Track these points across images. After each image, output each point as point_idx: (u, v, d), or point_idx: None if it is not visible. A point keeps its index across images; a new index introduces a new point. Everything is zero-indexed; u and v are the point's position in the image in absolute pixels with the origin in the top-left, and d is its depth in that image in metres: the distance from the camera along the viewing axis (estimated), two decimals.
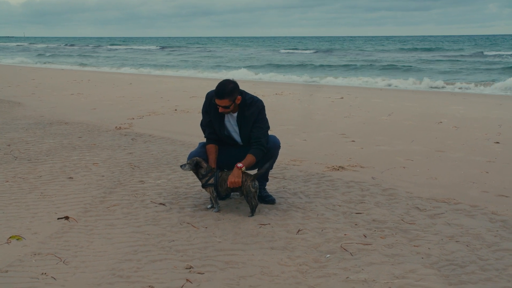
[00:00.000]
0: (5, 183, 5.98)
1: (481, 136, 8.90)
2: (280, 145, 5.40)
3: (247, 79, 23.19)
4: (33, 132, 9.17)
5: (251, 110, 5.08)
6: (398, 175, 6.48)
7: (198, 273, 3.77)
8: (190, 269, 3.80)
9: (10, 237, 4.36)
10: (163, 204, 5.28)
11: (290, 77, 24.61)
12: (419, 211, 5.16)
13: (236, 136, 5.26)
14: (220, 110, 4.98)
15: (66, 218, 4.85)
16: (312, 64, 33.79)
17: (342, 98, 14.78)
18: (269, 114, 10.93)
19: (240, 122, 5.15)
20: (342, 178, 6.31)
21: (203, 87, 17.77)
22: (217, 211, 5.11)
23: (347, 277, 3.72)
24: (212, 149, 5.24)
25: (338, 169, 6.74)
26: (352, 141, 8.64)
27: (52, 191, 5.72)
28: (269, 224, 4.77)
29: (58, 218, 4.85)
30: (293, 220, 4.90)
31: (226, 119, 5.19)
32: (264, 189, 5.49)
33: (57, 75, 24.69)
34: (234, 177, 4.93)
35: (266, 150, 5.15)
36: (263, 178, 5.42)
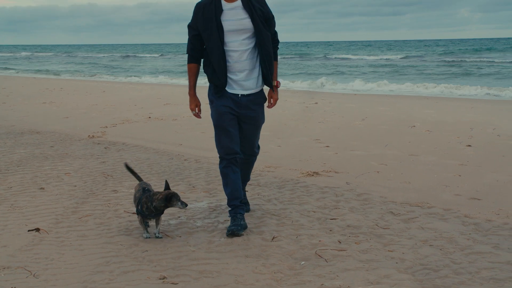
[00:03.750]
0: None
1: (453, 140, 8.99)
2: (259, 150, 5.28)
3: None
4: (3, 142, 9.02)
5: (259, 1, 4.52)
6: (372, 180, 6.50)
7: (172, 283, 3.72)
8: (163, 279, 3.76)
9: None
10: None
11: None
12: (393, 215, 5.18)
13: (241, 34, 4.49)
14: None
15: (37, 230, 4.76)
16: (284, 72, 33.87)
17: (316, 103, 14.83)
18: None
19: (250, 10, 4.44)
20: (316, 184, 6.31)
21: (177, 94, 17.69)
22: (148, 237, 4.59)
23: (322, 284, 3.71)
24: (193, 70, 4.69)
25: (313, 175, 6.75)
26: (327, 146, 8.66)
27: (23, 202, 5.62)
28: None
29: (28, 230, 4.76)
30: (268, 227, 4.87)
31: (222, 17, 4.43)
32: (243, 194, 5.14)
33: (29, 83, 24.37)
34: (276, 96, 4.82)
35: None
36: (243, 180, 5.17)
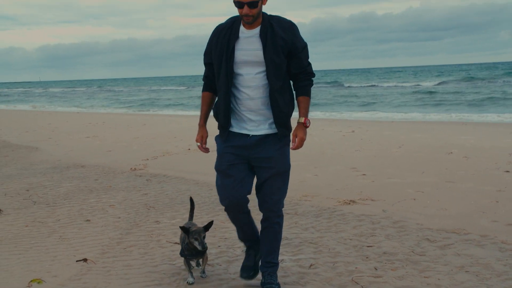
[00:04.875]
0: (25, 227, 6.16)
1: (491, 166, 8.98)
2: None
3: None
4: (51, 176, 9.40)
5: (282, 25, 3.85)
6: (408, 207, 6.57)
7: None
8: None
9: (31, 281, 4.51)
10: (179, 243, 5.40)
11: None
12: (429, 242, 5.24)
13: (255, 67, 3.86)
14: (246, 13, 3.70)
15: (85, 260, 5.00)
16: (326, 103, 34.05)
17: (353, 131, 14.92)
18: None
19: (265, 38, 3.80)
20: (353, 212, 6.42)
21: (214, 124, 17.99)
22: (192, 283, 4.38)
23: None
24: (205, 99, 4.18)
25: (349, 203, 6.86)
26: (363, 174, 8.76)
27: (71, 234, 5.89)
28: (282, 259, 4.87)
29: (76, 261, 5.00)
30: (305, 255, 5.01)
31: (237, 45, 3.85)
32: (271, 274, 4.25)
33: (72, 118, 25.12)
34: (302, 134, 3.93)
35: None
36: (268, 261, 4.28)
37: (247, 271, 4.29)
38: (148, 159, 11.07)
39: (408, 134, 13.99)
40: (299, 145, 3.95)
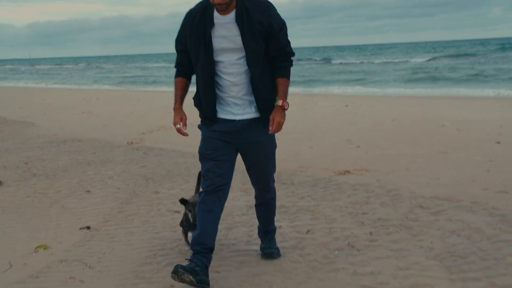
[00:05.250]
0: (27, 198, 6.29)
1: (483, 137, 9.14)
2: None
3: None
4: (48, 150, 9.49)
5: (257, 7, 3.64)
6: (402, 177, 6.73)
7: (215, 272, 4.02)
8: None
9: (38, 247, 4.65)
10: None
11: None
12: (422, 209, 5.40)
13: (234, 53, 3.70)
14: (218, 2, 3.49)
15: (88, 228, 5.14)
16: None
17: (346, 106, 15.05)
18: None
19: (242, 24, 3.61)
20: (348, 182, 6.57)
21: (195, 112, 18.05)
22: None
23: (355, 271, 3.97)
24: (179, 84, 3.95)
25: (344, 174, 7.00)
26: (357, 146, 8.90)
27: (72, 204, 6.01)
28: (279, 226, 5.02)
29: (80, 228, 5.14)
30: (302, 221, 5.16)
31: (213, 33, 3.65)
32: (270, 239, 4.38)
33: (66, 94, 25.12)
34: (282, 118, 3.75)
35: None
36: (266, 230, 4.39)
37: (178, 267, 3.52)
38: (144, 133, 11.17)
39: (401, 108, 14.14)
40: (277, 129, 3.76)
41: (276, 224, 5.03)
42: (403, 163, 7.52)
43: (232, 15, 3.60)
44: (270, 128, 3.75)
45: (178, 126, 3.86)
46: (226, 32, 3.63)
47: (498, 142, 8.64)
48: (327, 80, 30.62)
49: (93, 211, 5.71)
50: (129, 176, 7.29)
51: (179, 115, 3.87)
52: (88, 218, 5.48)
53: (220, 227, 4.99)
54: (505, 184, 6.20)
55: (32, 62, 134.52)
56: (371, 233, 4.76)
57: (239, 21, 3.58)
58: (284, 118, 3.76)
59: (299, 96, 20.14)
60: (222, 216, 5.28)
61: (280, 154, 8.27)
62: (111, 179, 7.13)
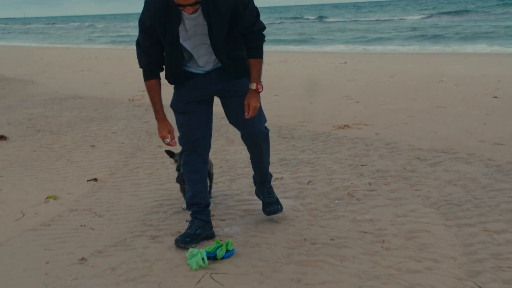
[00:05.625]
0: (33, 152, 6.43)
1: (480, 92, 9.25)
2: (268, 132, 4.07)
3: None
4: (51, 107, 9.60)
5: None
6: (400, 131, 6.86)
7: (220, 220, 4.19)
8: (212, 216, 4.22)
9: (48, 197, 4.81)
10: None
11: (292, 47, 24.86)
12: (420, 161, 5.55)
13: (204, 49, 3.56)
14: (189, 11, 3.25)
15: (95, 180, 5.28)
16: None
17: (345, 63, 15.09)
18: (275, 81, 11.30)
19: (208, 17, 3.37)
20: (347, 136, 6.70)
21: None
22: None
23: (354, 218, 4.13)
24: (154, 87, 3.70)
25: (344, 128, 7.13)
26: (356, 102, 9.01)
27: (78, 157, 6.15)
28: (282, 177, 5.17)
29: (87, 180, 5.29)
30: (303, 173, 5.31)
31: (182, 28, 3.43)
32: (269, 189, 4.24)
33: (63, 53, 25.05)
34: (255, 102, 3.61)
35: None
36: (263, 181, 4.24)
37: (184, 236, 3.73)
38: (144, 91, 11.21)
39: (399, 64, 14.19)
40: (253, 114, 3.62)
41: (278, 175, 5.21)
42: (402, 117, 7.64)
43: (199, 11, 3.36)
44: (246, 113, 3.62)
45: (168, 140, 3.72)
46: (195, 29, 3.44)
47: (496, 97, 8.75)
48: (324, 39, 30.44)
49: (99, 165, 5.85)
50: (132, 131, 7.42)
51: (166, 128, 3.74)
52: (95, 171, 5.62)
53: (223, 179, 5.17)
54: (501, 136, 6.34)
55: (24, 21, 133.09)
56: (370, 184, 4.91)
57: (206, 14, 3.35)
58: (259, 102, 3.64)
59: (298, 54, 20.15)
60: (225, 168, 5.48)
61: (280, 110, 8.43)
62: (114, 134, 7.26)
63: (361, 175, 5.18)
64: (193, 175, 3.82)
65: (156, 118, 3.75)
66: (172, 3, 3.24)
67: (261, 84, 3.63)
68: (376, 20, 47.16)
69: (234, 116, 3.85)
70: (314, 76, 12.55)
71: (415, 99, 8.94)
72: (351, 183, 4.94)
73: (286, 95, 9.91)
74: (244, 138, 4.00)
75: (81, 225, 4.17)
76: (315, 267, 3.37)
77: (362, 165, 5.49)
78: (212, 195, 4.73)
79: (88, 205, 4.62)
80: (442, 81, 10.72)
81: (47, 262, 3.55)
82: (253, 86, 3.59)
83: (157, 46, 3.53)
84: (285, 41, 28.84)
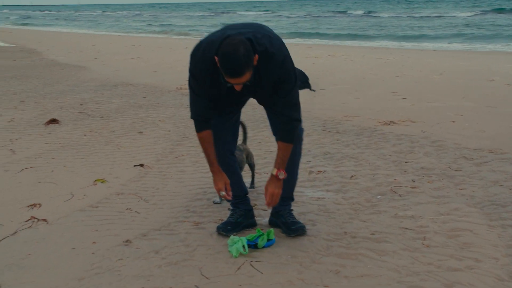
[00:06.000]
0: (84, 136, 6.63)
1: None
2: (303, 133, 3.75)
3: (296, 43, 23.41)
4: (101, 93, 9.84)
5: (268, 66, 3.21)
6: (447, 129, 6.78)
7: (262, 209, 4.25)
8: (254, 206, 4.28)
9: (96, 180, 4.96)
10: None
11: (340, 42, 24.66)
12: (466, 160, 5.49)
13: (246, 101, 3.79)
14: (239, 88, 3.16)
15: (142, 165, 5.42)
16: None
17: (394, 58, 14.93)
18: (322, 75, 11.27)
19: (255, 84, 3.28)
20: (393, 132, 6.66)
21: None
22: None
23: (396, 214, 4.13)
24: (207, 138, 3.53)
25: (389, 124, 7.09)
26: (404, 98, 8.93)
27: (126, 143, 6.31)
28: (324, 170, 5.20)
29: (134, 165, 5.43)
30: (346, 167, 5.31)
31: (227, 91, 3.33)
32: (290, 211, 3.94)
33: (115, 40, 25.54)
34: (277, 188, 3.51)
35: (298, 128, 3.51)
36: (286, 197, 3.86)
37: (225, 224, 3.84)
38: None
39: (450, 61, 13.95)
40: (271, 201, 3.53)
41: (321, 168, 5.24)
42: (449, 115, 7.54)
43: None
44: (266, 201, 3.55)
45: (224, 193, 3.58)
46: (239, 94, 3.36)
47: None
48: (372, 34, 30.08)
49: (145, 151, 5.99)
50: (179, 119, 7.55)
51: (222, 180, 3.60)
52: (142, 156, 5.76)
53: (266, 169, 5.23)
54: None
55: (78, 8, 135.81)
56: (413, 181, 4.89)
57: (252, 84, 3.22)
58: (279, 188, 3.52)
59: (346, 48, 20.01)
60: (269, 159, 5.53)
61: (326, 104, 8.43)
62: (162, 122, 7.40)
63: (405, 171, 5.16)
64: (225, 171, 3.68)
65: (212, 170, 3.61)
66: (222, 80, 3.12)
67: (283, 172, 3.47)
68: (427, 16, 46.28)
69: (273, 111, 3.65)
70: (362, 71, 12.46)
71: (464, 97, 8.80)
72: (395, 179, 4.93)
73: (332, 89, 9.89)
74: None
75: (127, 209, 4.29)
76: (355, 260, 3.39)
77: (406, 162, 5.46)
78: (256, 185, 4.80)
79: (134, 189, 4.75)
80: (493, 80, 10.50)
81: (94, 242, 3.69)
82: (274, 171, 3.48)
83: (208, 92, 3.41)
84: (333, 36, 28.65)
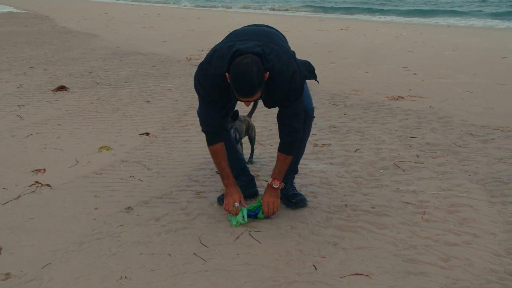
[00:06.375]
0: (91, 104, 6.66)
1: None
2: (313, 112, 3.72)
3: (309, 16, 23.20)
4: (111, 61, 9.85)
5: (276, 83, 3.21)
6: (455, 105, 6.73)
7: (265, 180, 4.26)
8: (257, 177, 4.30)
9: (101, 147, 5.00)
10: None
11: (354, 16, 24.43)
12: (472, 136, 5.46)
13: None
14: (248, 104, 3.38)
15: (147, 134, 5.44)
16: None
17: (407, 33, 14.77)
18: (334, 49, 11.22)
19: (264, 99, 3.35)
20: (400, 107, 6.63)
21: (265, 20, 18.03)
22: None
23: (398, 188, 4.14)
24: (220, 151, 3.53)
25: (398, 99, 7.05)
26: (414, 74, 8.86)
27: (133, 112, 6.33)
28: (329, 144, 5.20)
29: (140, 134, 5.45)
30: (351, 141, 5.31)
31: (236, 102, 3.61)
32: (292, 184, 3.95)
33: (128, 9, 25.45)
34: (272, 197, 3.56)
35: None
36: (290, 169, 3.74)
37: (220, 201, 3.84)
38: (203, 50, 11.35)
39: (464, 38, 13.79)
40: (269, 211, 3.57)
41: (326, 142, 5.23)
42: (459, 92, 7.48)
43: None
44: (263, 212, 3.58)
45: (237, 204, 3.52)
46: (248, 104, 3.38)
47: None
48: (387, 9, 29.72)
49: (152, 120, 6.01)
50: (187, 89, 7.55)
51: (237, 193, 3.57)
52: (148, 125, 5.79)
53: (271, 141, 5.23)
54: None
55: None
56: (418, 156, 4.88)
57: (262, 97, 3.25)
58: (275, 197, 3.56)
59: (359, 22, 19.83)
60: (274, 131, 5.52)
61: (336, 77, 8.40)
62: (170, 92, 7.41)
63: (410, 146, 5.15)
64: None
65: (226, 184, 3.56)
66: (232, 95, 3.17)
67: (278, 181, 3.53)
68: None
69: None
70: (374, 45, 12.35)
71: (475, 74, 8.71)
72: (399, 154, 4.92)
73: (343, 62, 9.83)
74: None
75: (130, 176, 4.33)
76: (353, 232, 3.41)
77: (412, 137, 5.44)
78: (259, 156, 4.82)
79: (138, 157, 4.78)
80: (506, 57, 10.38)
81: (96, 208, 3.73)
82: (270, 181, 3.55)
83: (218, 109, 3.46)
84: (347, 9, 28.36)
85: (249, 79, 2.99)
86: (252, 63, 3.02)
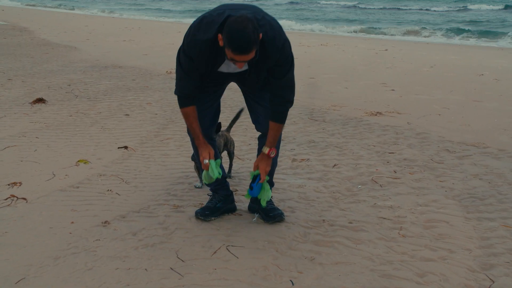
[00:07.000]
0: (69, 117, 6.61)
1: None
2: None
3: (290, 31, 23.36)
4: (90, 74, 9.80)
5: (268, 50, 3.18)
6: (432, 121, 6.81)
7: (242, 195, 4.26)
8: (235, 192, 4.30)
9: (78, 161, 4.97)
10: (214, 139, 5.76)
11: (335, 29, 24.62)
12: (449, 152, 5.52)
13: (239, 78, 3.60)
14: (241, 66, 3.13)
15: (125, 147, 5.42)
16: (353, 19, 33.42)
17: (386, 50, 14.93)
18: (313, 64, 11.27)
19: (251, 64, 3.29)
20: (378, 123, 6.69)
21: None
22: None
23: (375, 203, 4.17)
24: (192, 113, 3.51)
25: (376, 115, 7.11)
26: (392, 90, 8.95)
27: (111, 125, 6.30)
28: (308, 159, 5.22)
29: (118, 147, 5.43)
30: (330, 156, 5.34)
31: (222, 65, 3.37)
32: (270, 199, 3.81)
33: (108, 22, 25.37)
34: (268, 166, 3.59)
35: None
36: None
37: (204, 209, 3.86)
38: None
39: (441, 55, 13.97)
40: (263, 178, 3.59)
41: (305, 156, 5.25)
42: (436, 108, 7.57)
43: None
44: (261, 178, 3.58)
45: (207, 161, 3.52)
46: (234, 67, 3.38)
47: None
48: (364, 23, 30.03)
49: (131, 133, 5.99)
50: (166, 103, 7.54)
51: (207, 150, 3.54)
52: (126, 139, 5.76)
53: (250, 156, 5.24)
54: None
55: None
56: (395, 171, 4.93)
57: (250, 61, 3.18)
58: (270, 166, 3.61)
59: (339, 38, 20.00)
60: (253, 146, 5.53)
61: (315, 92, 8.44)
62: (149, 105, 7.40)
63: (388, 162, 5.19)
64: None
65: (197, 144, 3.57)
66: (224, 54, 3.13)
67: (274, 150, 3.58)
68: (419, 9, 46.17)
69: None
70: (353, 61, 12.46)
71: (452, 91, 8.83)
72: (376, 169, 4.96)
73: (322, 78, 9.90)
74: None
75: (108, 190, 4.30)
76: (330, 247, 3.43)
77: (389, 153, 5.49)
78: (238, 171, 4.82)
79: (116, 171, 4.76)
80: (482, 74, 10.53)
81: (72, 222, 3.70)
82: (266, 150, 3.56)
83: (196, 78, 3.42)
84: (324, 22, 28.57)
85: (246, 34, 2.92)
86: (248, 20, 2.97)
